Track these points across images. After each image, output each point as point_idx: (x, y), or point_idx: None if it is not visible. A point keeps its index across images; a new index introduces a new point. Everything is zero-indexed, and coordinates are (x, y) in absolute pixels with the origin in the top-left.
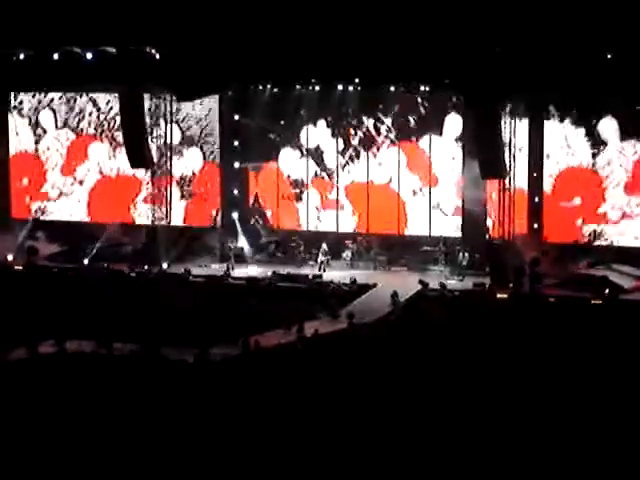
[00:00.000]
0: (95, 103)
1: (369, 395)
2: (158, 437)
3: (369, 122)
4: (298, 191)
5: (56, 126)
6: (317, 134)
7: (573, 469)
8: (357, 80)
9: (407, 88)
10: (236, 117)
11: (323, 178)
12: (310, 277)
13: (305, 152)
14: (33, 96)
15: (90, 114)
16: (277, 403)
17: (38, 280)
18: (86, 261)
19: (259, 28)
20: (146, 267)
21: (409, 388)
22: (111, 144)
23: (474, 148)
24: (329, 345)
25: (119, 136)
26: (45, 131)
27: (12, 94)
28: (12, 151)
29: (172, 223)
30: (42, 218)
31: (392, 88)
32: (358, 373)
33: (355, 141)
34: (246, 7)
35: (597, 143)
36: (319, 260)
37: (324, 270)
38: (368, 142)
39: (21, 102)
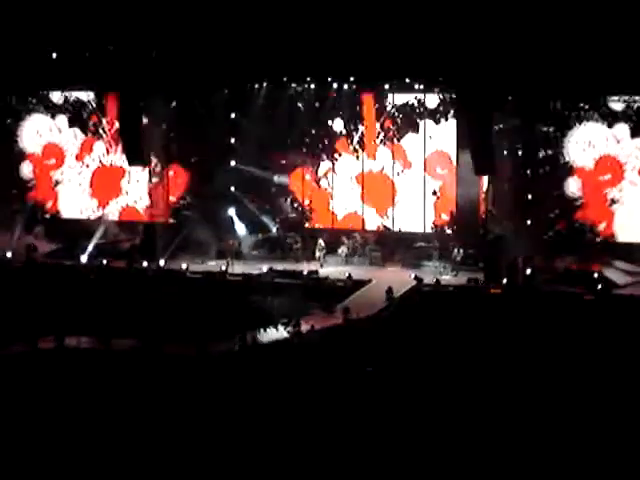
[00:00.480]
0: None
1: (364, 389)
2: (157, 431)
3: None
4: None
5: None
6: None
7: (566, 460)
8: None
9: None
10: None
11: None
12: (306, 273)
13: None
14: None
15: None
16: (274, 398)
17: (37, 276)
18: (84, 258)
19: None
20: (145, 263)
21: (404, 383)
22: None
23: (467, 145)
24: (325, 340)
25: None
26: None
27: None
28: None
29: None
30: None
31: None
32: (353, 368)
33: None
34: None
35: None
36: (317, 256)
37: (322, 266)
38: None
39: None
